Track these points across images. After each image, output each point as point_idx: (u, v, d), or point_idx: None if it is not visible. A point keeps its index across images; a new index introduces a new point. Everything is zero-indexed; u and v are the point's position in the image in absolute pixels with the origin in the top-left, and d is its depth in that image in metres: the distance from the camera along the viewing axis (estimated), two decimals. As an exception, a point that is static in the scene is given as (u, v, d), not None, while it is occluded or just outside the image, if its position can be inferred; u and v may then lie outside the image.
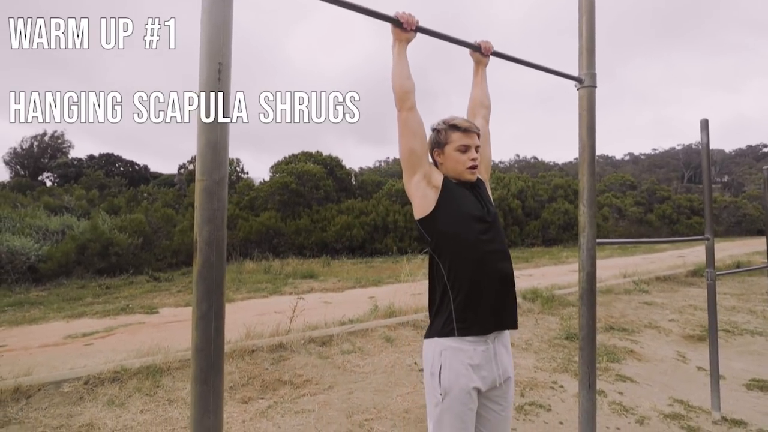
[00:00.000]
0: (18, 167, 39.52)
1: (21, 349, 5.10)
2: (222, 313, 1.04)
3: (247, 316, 6.28)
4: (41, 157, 40.20)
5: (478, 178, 1.67)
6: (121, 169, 38.90)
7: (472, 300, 1.47)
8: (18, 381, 3.21)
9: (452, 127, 1.60)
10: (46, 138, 41.24)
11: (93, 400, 3.15)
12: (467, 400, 1.44)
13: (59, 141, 41.97)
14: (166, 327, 6.03)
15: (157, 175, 40.07)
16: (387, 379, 3.67)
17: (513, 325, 1.57)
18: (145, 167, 41.60)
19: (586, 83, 1.95)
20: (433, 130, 1.66)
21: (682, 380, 3.86)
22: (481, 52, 1.70)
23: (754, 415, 3.11)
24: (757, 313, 6.24)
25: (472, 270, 1.48)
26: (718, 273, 3.21)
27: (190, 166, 29.01)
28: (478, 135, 1.64)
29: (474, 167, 1.60)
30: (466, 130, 1.59)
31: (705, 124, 2.96)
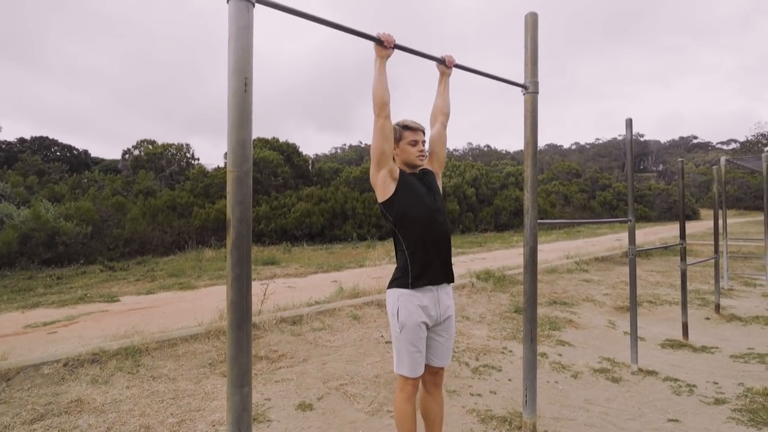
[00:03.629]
0: (-63, 151, 36.06)
1: (-21, 340, 5.00)
2: (250, 276, 1.33)
3: (212, 302, 6.40)
4: (-36, 139, 36.89)
5: (428, 170, 2.14)
6: (58, 153, 36.45)
7: (425, 262, 1.96)
8: (-4, 365, 3.27)
9: (405, 127, 2.07)
10: (-31, 119, 37.81)
11: (76, 380, 3.27)
12: (418, 330, 1.95)
13: (-17, 122, 38.63)
14: (131, 314, 6.05)
15: (98, 161, 37.87)
16: (357, 351, 4.01)
17: (452, 279, 2.09)
18: (86, 152, 39.21)
19: (530, 90, 2.35)
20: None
21: (610, 343, 4.49)
22: (445, 64, 2.05)
23: (665, 367, 3.74)
24: (676, 287, 7.12)
25: (424, 239, 1.96)
26: (637, 249, 3.79)
27: (136, 152, 27.71)
28: (424, 132, 2.10)
29: (422, 155, 2.06)
30: (414, 130, 2.07)
31: (629, 123, 3.48)
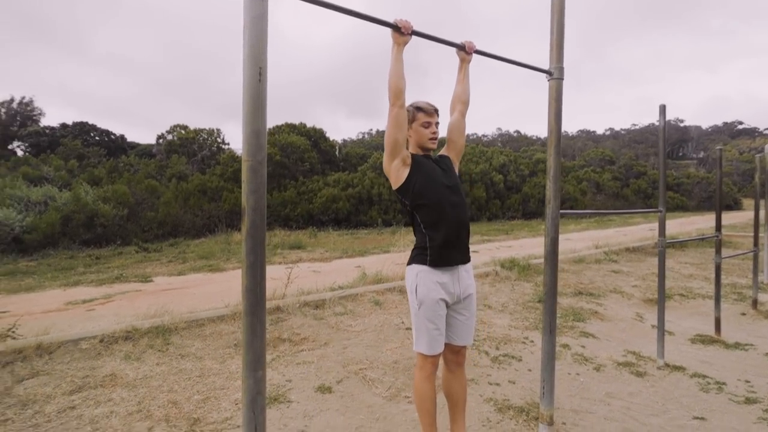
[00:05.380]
0: (-14, 136, 38.13)
1: (24, 315, 5.33)
2: (264, 263, 1.36)
3: (239, 284, 6.57)
4: (10, 124, 38.77)
5: (444, 155, 2.13)
6: (97, 138, 37.84)
7: (444, 241, 1.94)
8: (39, 339, 3.49)
9: (418, 108, 2.05)
10: (14, 105, 39.72)
11: (110, 356, 3.46)
12: (437, 307, 1.94)
13: (28, 108, 40.48)
14: (163, 294, 6.31)
15: (134, 145, 39.16)
16: (377, 337, 4.06)
17: (468, 260, 2.07)
18: (122, 137, 40.57)
19: (555, 76, 2.27)
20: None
21: (637, 336, 4.37)
22: (465, 50, 2.00)
23: (693, 362, 3.62)
24: (710, 280, 6.84)
25: (442, 219, 1.94)
26: (670, 241, 3.65)
27: (169, 137, 28.47)
28: (437, 113, 2.07)
29: (434, 138, 2.05)
30: (428, 111, 2.04)
31: (663, 109, 3.32)
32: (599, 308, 5.25)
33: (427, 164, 2.01)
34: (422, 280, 1.94)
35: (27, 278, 7.91)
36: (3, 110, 39.11)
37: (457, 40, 1.96)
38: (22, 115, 39.77)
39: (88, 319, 4.90)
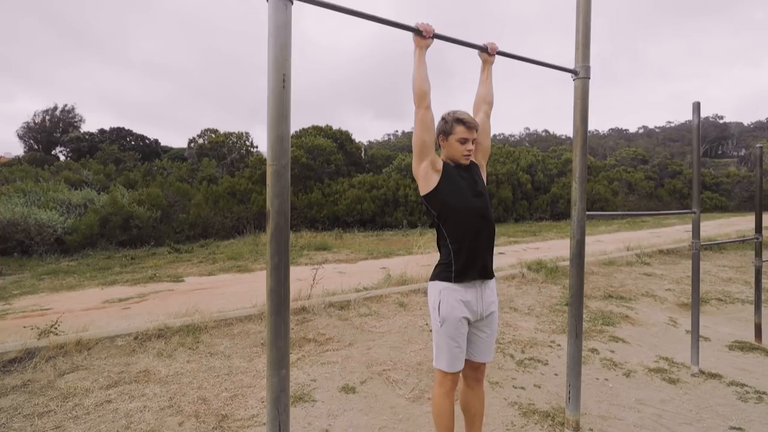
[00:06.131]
0: (31, 141, 40.27)
1: (66, 312, 5.61)
2: (288, 265, 1.40)
3: (268, 284, 6.72)
4: (53, 131, 40.83)
5: (473, 162, 2.04)
6: (132, 143, 39.32)
7: (469, 258, 1.89)
8: (79, 335, 3.67)
9: (458, 120, 1.93)
10: (57, 112, 41.79)
11: (144, 352, 3.60)
12: (459, 325, 1.90)
13: (70, 115, 42.54)
14: (194, 293, 6.51)
15: (167, 149, 40.52)
16: (401, 338, 4.08)
17: (492, 275, 2.00)
18: (156, 141, 42.02)
19: (581, 75, 2.23)
20: (442, 119, 1.99)
21: (670, 341, 4.22)
22: (487, 52, 1.99)
23: (730, 370, 3.47)
24: (751, 284, 6.52)
25: (468, 234, 1.89)
26: (705, 243, 3.52)
27: (200, 141, 29.33)
28: (477, 130, 1.97)
29: (468, 155, 1.96)
30: (469, 127, 1.93)
31: (697, 107, 3.20)
32: (630, 312, 5.10)
33: (457, 175, 1.94)
34: (445, 297, 1.90)
35: (68, 277, 8.31)
36: (47, 117, 41.25)
37: (481, 41, 1.95)
38: (65, 122, 41.82)
39: (124, 317, 5.11)
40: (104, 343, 3.68)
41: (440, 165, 1.93)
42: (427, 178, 1.90)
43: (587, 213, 2.32)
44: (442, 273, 1.93)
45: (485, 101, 2.13)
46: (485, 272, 1.94)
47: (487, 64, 2.10)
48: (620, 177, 30.87)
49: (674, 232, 15.21)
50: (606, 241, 11.79)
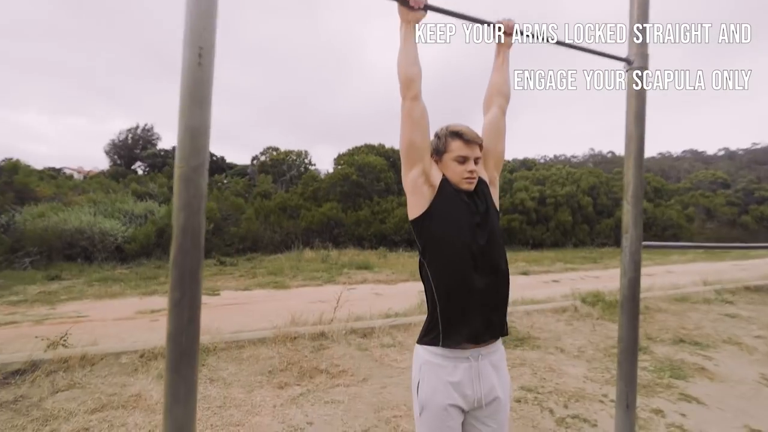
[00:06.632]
0: (115, 157, 44.19)
1: (99, 321, 5.66)
2: (197, 302, 1.03)
3: (298, 303, 6.47)
4: (134, 147, 44.60)
5: (480, 179, 1.51)
6: (200, 159, 41.85)
7: (456, 311, 1.36)
8: (85, 350, 3.55)
9: (453, 134, 1.46)
10: (138, 130, 45.68)
11: (145, 373, 3.40)
12: (444, 416, 1.35)
13: (149, 133, 46.33)
14: (223, 309, 6.40)
15: (232, 166, 42.77)
16: (422, 377, 3.59)
17: (501, 334, 1.46)
18: (222, 158, 44.52)
19: (635, 64, 1.72)
20: (435, 135, 1.52)
21: (761, 406, 3.38)
22: (504, 32, 1.53)
23: None
24: None
25: (457, 279, 1.36)
26: (810, 287, 2.75)
27: (262, 158, 30.60)
28: (480, 146, 1.49)
29: (470, 179, 1.45)
30: (467, 141, 1.45)
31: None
32: (707, 363, 4.24)
33: (457, 199, 1.43)
34: (426, 375, 1.38)
35: (115, 285, 8.60)
36: (130, 135, 45.18)
37: (494, 18, 1.49)
38: (144, 140, 45.57)
39: (147, 330, 5.02)
40: (108, 360, 3.53)
41: (437, 179, 1.45)
42: (416, 193, 1.42)
43: (644, 243, 1.78)
44: (427, 335, 1.41)
45: (500, 93, 1.61)
46: (485, 338, 1.39)
47: (502, 48, 1.61)
48: (696, 202, 28.11)
49: (764, 264, 13.34)
50: (678, 272, 10.48)
